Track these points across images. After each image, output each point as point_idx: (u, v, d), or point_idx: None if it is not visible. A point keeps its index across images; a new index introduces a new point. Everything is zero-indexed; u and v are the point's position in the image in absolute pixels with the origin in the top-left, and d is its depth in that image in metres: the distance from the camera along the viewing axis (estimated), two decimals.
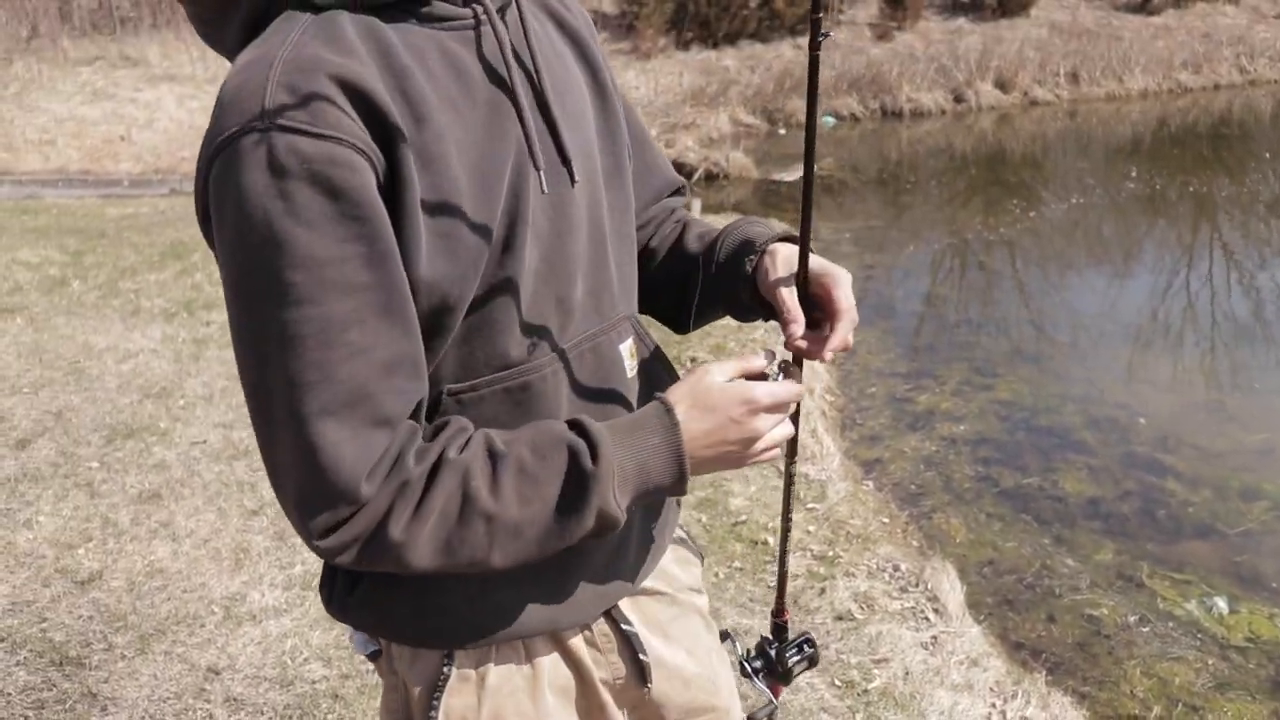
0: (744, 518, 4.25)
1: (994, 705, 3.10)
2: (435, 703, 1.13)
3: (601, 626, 1.21)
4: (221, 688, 2.70)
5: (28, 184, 12.58)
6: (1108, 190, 11.75)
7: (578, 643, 1.19)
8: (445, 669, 1.13)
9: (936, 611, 3.69)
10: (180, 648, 2.87)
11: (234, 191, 0.86)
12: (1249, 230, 10.32)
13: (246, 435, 4.34)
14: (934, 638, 3.49)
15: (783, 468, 1.26)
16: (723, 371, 1.01)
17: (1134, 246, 9.97)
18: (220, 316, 5.88)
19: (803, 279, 1.11)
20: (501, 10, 1.01)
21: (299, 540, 3.41)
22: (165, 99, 16.04)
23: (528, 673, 1.15)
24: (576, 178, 1.04)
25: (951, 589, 3.82)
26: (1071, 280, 8.70)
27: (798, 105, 15.89)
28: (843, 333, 1.11)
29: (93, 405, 4.56)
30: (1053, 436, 5.70)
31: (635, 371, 1.17)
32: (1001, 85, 17.71)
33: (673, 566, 1.33)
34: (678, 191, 1.36)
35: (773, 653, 1.39)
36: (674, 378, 1.20)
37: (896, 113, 16.64)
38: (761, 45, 19.26)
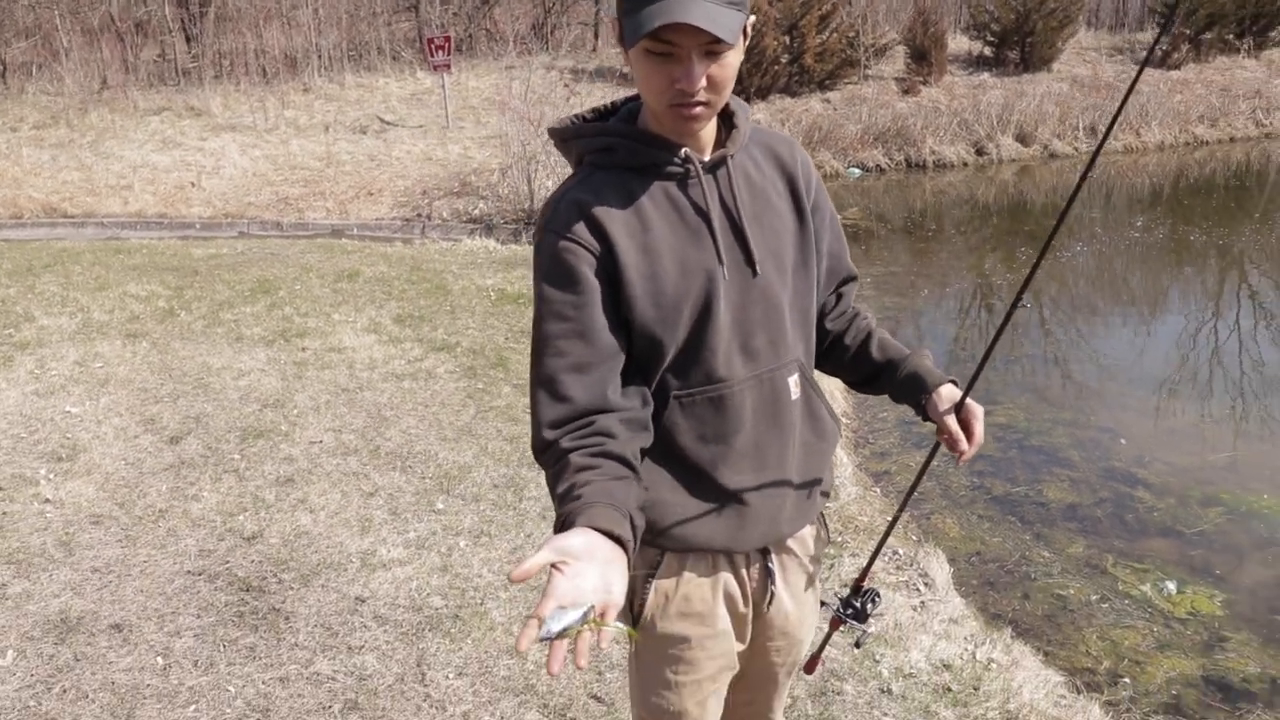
0: None
1: (966, 649, 3.85)
2: (649, 580, 1.76)
3: (756, 559, 1.83)
4: (369, 609, 3.56)
5: (110, 225, 13.61)
6: (1114, 238, 12.53)
7: (741, 564, 1.81)
8: (659, 559, 1.76)
9: (926, 585, 4.47)
10: (333, 583, 3.73)
11: (535, 258, 1.65)
12: (1251, 277, 11.07)
13: (354, 437, 5.21)
14: (922, 602, 4.26)
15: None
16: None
17: (1132, 291, 10.76)
18: (313, 343, 6.79)
19: (961, 403, 1.86)
20: (715, 166, 1.66)
21: (410, 513, 4.27)
22: (229, 147, 17.12)
23: (709, 575, 1.79)
24: (758, 271, 1.68)
25: (940, 569, 4.60)
26: (1075, 320, 9.49)
27: (825, 157, 16.81)
28: (976, 447, 1.83)
29: (223, 412, 5.46)
30: (1042, 454, 6.47)
31: (798, 396, 1.77)
32: (1022, 139, 18.50)
33: (808, 537, 1.94)
34: (851, 278, 1.98)
35: (857, 603, 2.15)
36: (825, 402, 1.86)
37: (920, 164, 17.47)
38: (791, 99, 20.21)
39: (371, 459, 4.95)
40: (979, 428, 1.84)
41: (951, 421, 1.83)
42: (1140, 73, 1.93)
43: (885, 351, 1.96)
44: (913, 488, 2.22)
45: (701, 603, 1.79)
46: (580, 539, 1.35)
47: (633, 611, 1.80)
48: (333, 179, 15.07)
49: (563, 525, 1.41)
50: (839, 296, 1.96)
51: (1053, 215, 14.47)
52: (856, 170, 16.87)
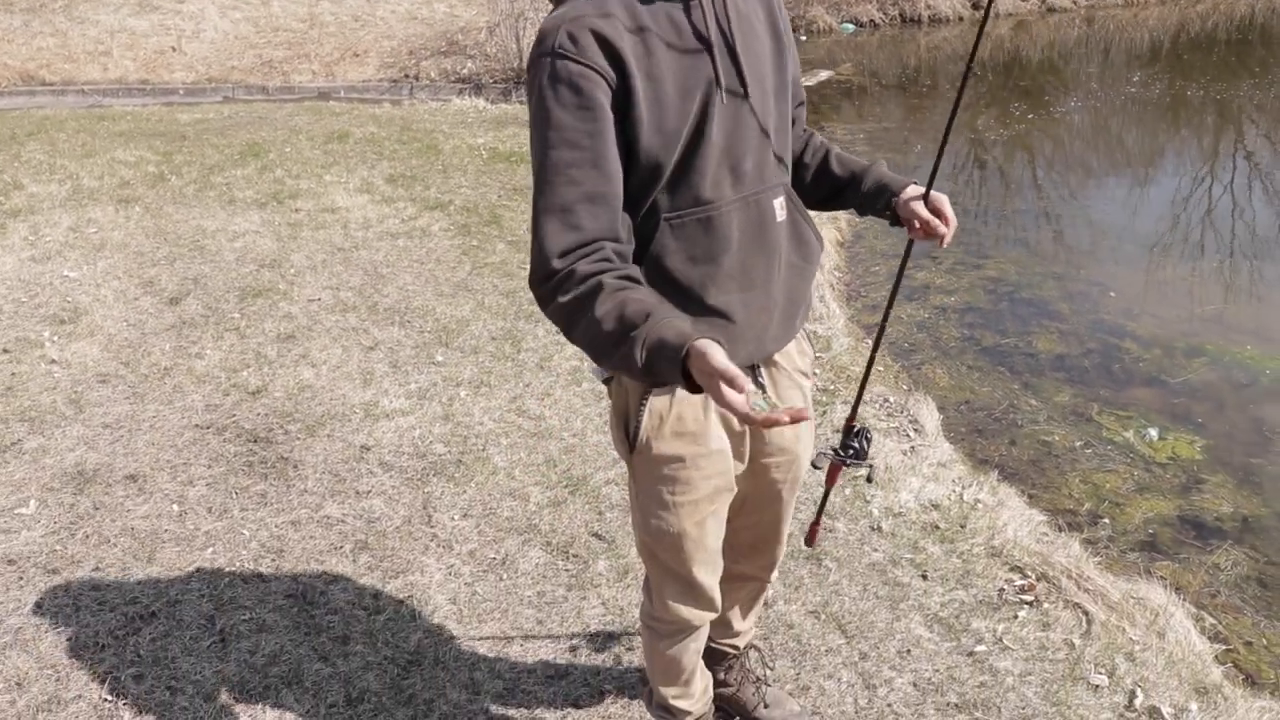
0: None
1: (954, 490, 3.99)
2: (644, 400, 1.81)
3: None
4: (374, 456, 3.68)
5: (90, 93, 13.37)
6: (1111, 94, 12.39)
7: None
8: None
9: (916, 430, 4.59)
10: (338, 433, 3.84)
11: (533, 85, 1.59)
12: (1248, 135, 11.00)
13: (351, 295, 5.26)
14: (912, 447, 4.39)
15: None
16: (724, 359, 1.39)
17: (1126, 150, 10.70)
18: (306, 204, 6.77)
19: (926, 196, 1.92)
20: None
21: (411, 366, 4.37)
22: (208, 9, 16.66)
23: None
24: (750, 95, 1.70)
25: (930, 416, 4.72)
26: (1068, 178, 9.46)
27: (819, 12, 16.44)
28: (953, 228, 1.91)
29: (221, 273, 5.50)
30: (1032, 307, 6.55)
31: (784, 218, 1.82)
32: None
33: (793, 351, 2.00)
34: (803, 102, 2.03)
35: (855, 444, 2.24)
36: (810, 224, 1.90)
37: (915, 19, 17.11)
38: None
39: (370, 315, 5.01)
40: (949, 210, 1.92)
41: (923, 209, 1.91)
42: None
43: (846, 166, 2.03)
44: (889, 306, 2.27)
45: (694, 421, 1.85)
46: (712, 346, 1.38)
47: (628, 436, 1.86)
48: (317, 41, 14.74)
49: (659, 341, 1.43)
50: (794, 120, 2.00)
51: (1049, 71, 14.26)
52: (850, 25, 16.54)
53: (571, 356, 4.58)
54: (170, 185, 7.24)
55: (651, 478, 1.89)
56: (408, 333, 4.81)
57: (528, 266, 1.67)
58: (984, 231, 7.91)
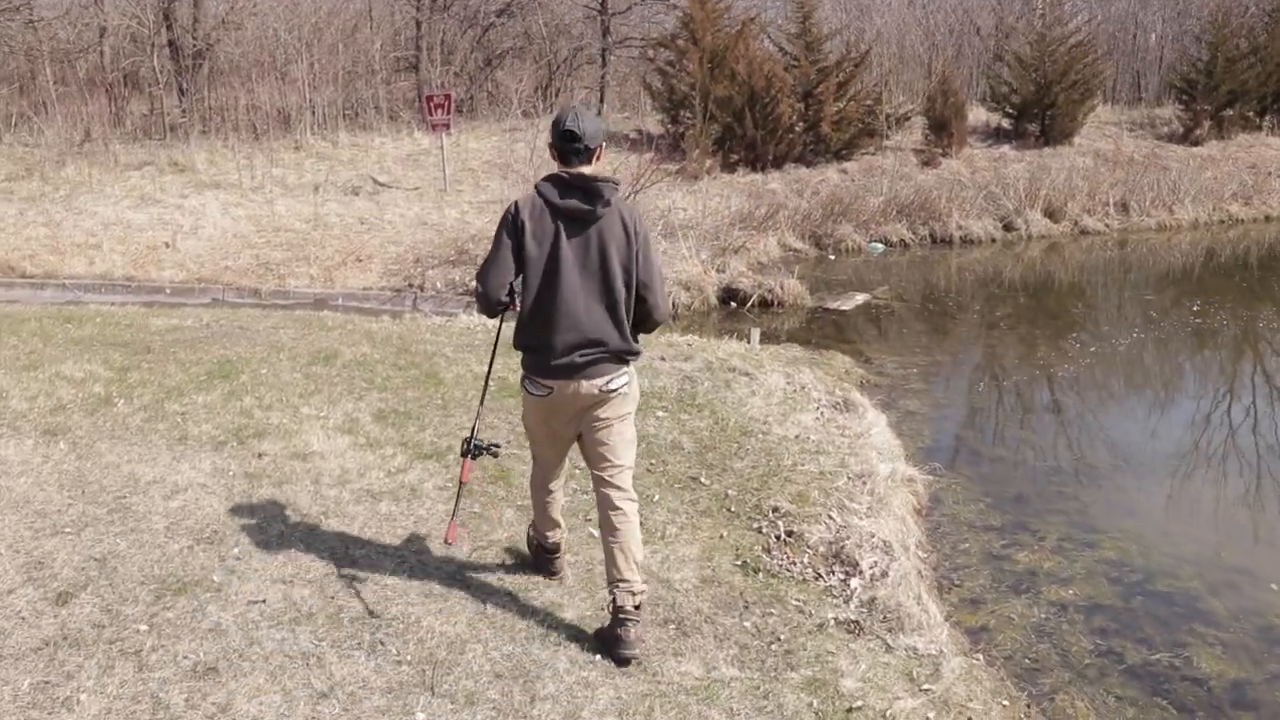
0: (859, 702, 3.77)
1: None
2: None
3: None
4: None
5: (71, 288, 12.43)
6: (1173, 323, 11.38)
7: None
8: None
9: None
10: None
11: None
12: None
13: (309, 594, 3.92)
14: None
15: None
16: None
17: (1215, 383, 9.55)
18: (273, 447, 5.52)
19: None
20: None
21: None
22: (210, 205, 15.99)
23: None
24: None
25: None
26: (1154, 421, 8.26)
27: (846, 231, 15.72)
28: None
29: (140, 551, 4.16)
30: (1173, 604, 5.22)
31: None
32: (1050, 214, 17.54)
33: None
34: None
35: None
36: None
37: (946, 239, 16.43)
38: (807, 169, 19.22)
39: (330, 630, 3.65)
40: None
41: None
42: None
43: None
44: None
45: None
46: None
47: None
48: (319, 243, 13.90)
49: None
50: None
51: (1093, 297, 13.35)
52: (879, 245, 15.81)
53: None
54: (114, 413, 6.01)
55: None
56: (379, 665, 3.43)
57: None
58: (1084, 496, 6.63)
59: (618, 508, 3.75)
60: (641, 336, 3.83)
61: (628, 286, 3.63)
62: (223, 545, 4.28)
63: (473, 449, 3.91)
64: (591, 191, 3.56)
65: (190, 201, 16.20)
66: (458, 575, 4.23)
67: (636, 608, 3.70)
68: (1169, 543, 5.95)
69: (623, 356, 3.69)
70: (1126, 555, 5.75)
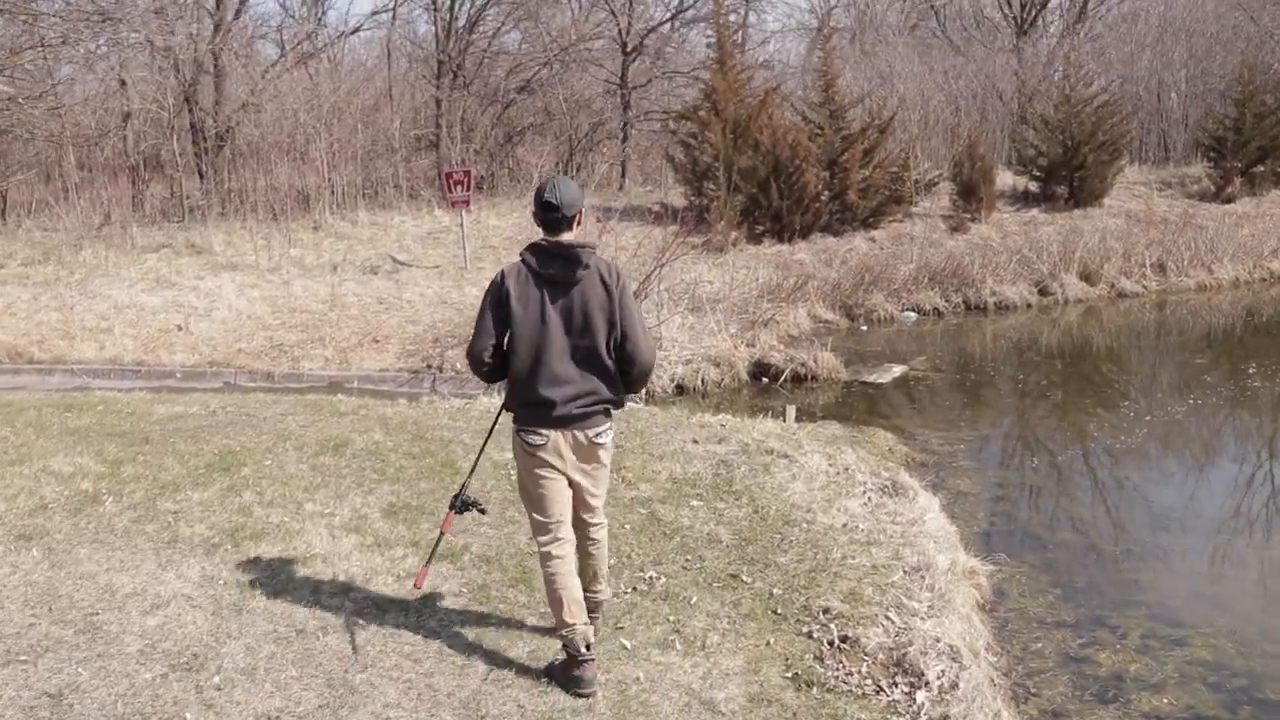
0: None
1: None
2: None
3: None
4: None
5: (80, 374, 12.05)
6: (1231, 388, 10.75)
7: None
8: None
9: None
10: None
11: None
12: None
13: None
14: None
15: None
16: None
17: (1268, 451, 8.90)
18: (270, 550, 5.01)
19: None
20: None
21: None
22: (226, 287, 15.68)
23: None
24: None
25: None
26: (1226, 497, 7.61)
27: (878, 300, 15.22)
28: None
29: (104, 682, 3.62)
30: None
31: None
32: (1086, 277, 16.99)
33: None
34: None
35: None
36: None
37: (980, 306, 15.90)
38: (834, 239, 18.77)
39: None
40: None
41: None
42: None
43: None
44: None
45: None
46: None
47: None
48: (335, 323, 13.51)
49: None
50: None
51: (1138, 361, 12.74)
52: (912, 314, 15.28)
53: None
54: (100, 512, 5.51)
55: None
56: None
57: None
58: (1163, 584, 6.00)
59: (593, 539, 4.11)
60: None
61: (611, 339, 3.91)
62: (202, 672, 3.73)
63: (460, 504, 4.16)
64: (571, 259, 3.84)
65: (206, 283, 15.90)
66: (471, 703, 3.67)
67: (588, 646, 3.88)
68: (1269, 640, 5.30)
69: (610, 409, 4.00)
70: (1223, 655, 5.11)
